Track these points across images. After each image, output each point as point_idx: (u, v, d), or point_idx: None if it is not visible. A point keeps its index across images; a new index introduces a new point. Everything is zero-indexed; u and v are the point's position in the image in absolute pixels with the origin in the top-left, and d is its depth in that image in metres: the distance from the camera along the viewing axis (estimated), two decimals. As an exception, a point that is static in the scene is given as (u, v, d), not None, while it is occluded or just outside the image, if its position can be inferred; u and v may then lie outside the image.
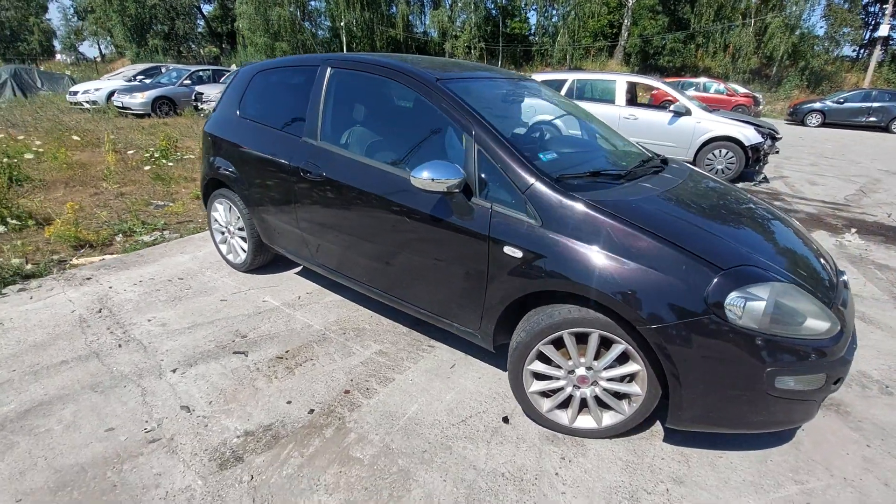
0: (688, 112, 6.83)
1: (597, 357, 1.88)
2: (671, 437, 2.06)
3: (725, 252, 1.72)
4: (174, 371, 2.41)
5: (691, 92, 16.83)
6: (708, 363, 1.65)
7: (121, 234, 4.40)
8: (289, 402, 2.22)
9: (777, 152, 7.13)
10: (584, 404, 2.00)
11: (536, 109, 2.98)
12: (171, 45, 39.55)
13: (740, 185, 6.91)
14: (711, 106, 12.16)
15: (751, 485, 1.84)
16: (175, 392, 2.26)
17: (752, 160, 6.63)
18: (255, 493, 1.75)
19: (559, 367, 1.95)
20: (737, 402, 1.69)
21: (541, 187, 1.90)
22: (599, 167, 2.19)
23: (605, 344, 1.86)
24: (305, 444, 1.98)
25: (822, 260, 2.04)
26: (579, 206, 1.83)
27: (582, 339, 1.89)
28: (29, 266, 3.52)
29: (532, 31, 29.20)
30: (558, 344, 1.93)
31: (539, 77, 8.23)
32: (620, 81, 7.36)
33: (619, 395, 1.95)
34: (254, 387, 2.32)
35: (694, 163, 7.00)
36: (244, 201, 3.12)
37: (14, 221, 4.37)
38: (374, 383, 2.37)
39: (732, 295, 1.60)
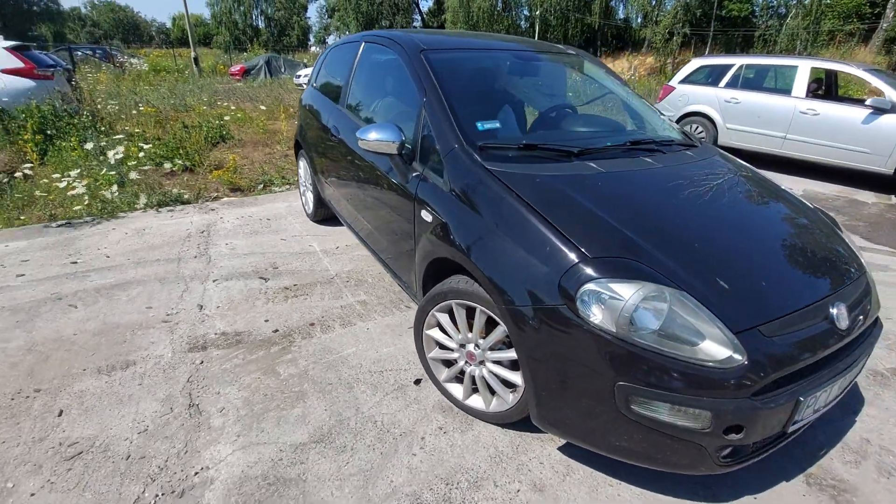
0: (894, 109, 5.12)
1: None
2: (569, 446, 1.84)
3: (605, 240, 1.47)
4: (214, 281, 3.09)
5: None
6: (559, 360, 1.46)
7: (262, 184, 5.52)
8: (266, 321, 2.66)
9: None
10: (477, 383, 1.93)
11: (560, 85, 2.76)
12: (391, 38, 45.24)
13: (970, 213, 4.93)
14: None
15: (622, 522, 1.56)
16: (204, 295, 2.91)
17: None
18: (195, 372, 2.22)
19: (452, 338, 1.92)
20: (590, 415, 1.46)
21: (458, 152, 1.87)
22: (542, 141, 1.99)
23: (494, 323, 1.77)
24: (252, 352, 2.38)
25: (806, 283, 1.53)
26: (479, 174, 1.76)
27: (473, 313, 1.83)
28: (186, 196, 4.76)
29: (756, 13, 24.51)
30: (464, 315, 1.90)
31: (698, 62, 7.15)
32: (803, 67, 5.89)
33: (508, 383, 1.83)
34: (253, 304, 2.83)
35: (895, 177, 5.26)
36: (308, 160, 3.68)
37: (198, 167, 5.87)
38: (337, 324, 2.65)
39: (588, 287, 1.38)
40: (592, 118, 2.56)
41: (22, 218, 4.04)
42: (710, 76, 6.90)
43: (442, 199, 1.87)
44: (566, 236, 1.48)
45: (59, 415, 1.94)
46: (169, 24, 70.80)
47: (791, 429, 1.42)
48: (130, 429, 1.88)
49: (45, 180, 4.69)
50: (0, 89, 6.14)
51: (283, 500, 1.60)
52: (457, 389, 2.00)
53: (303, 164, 4.05)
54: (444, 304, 1.87)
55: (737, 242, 1.62)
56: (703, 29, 24.16)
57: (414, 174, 2.07)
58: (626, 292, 1.35)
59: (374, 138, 2.08)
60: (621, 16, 30.83)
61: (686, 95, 7.04)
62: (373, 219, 2.60)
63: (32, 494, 1.59)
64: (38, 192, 4.42)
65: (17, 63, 6.35)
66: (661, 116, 2.56)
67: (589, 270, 1.40)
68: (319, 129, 3.29)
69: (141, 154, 4.94)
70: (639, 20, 28.38)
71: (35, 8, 49.13)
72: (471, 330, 1.84)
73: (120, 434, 1.85)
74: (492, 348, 1.79)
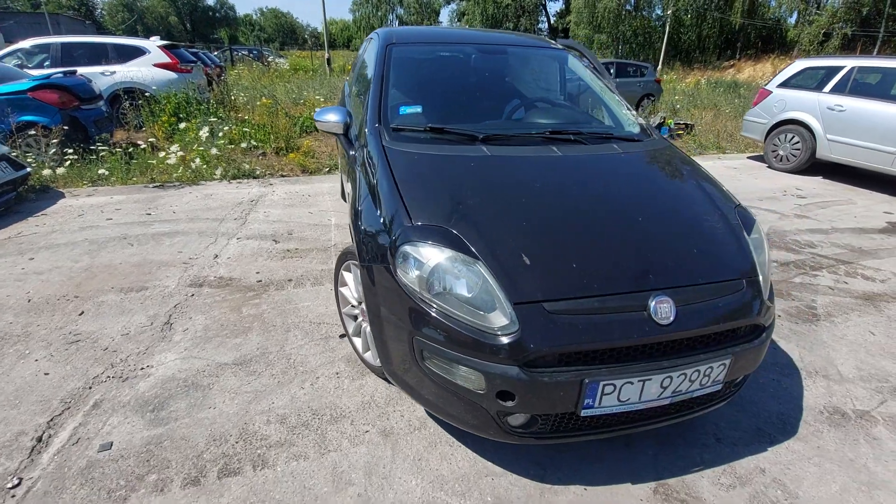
0: None
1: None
2: (434, 409, 1.98)
3: (435, 211, 1.61)
4: (237, 239, 3.70)
5: None
6: (384, 311, 1.64)
7: (328, 168, 6.21)
8: (257, 273, 3.15)
9: None
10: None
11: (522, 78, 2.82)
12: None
13: None
14: None
15: (437, 479, 1.68)
16: (224, 248, 3.52)
17: None
18: (183, 301, 2.76)
19: (354, 295, 2.17)
20: (404, 367, 1.62)
21: (374, 130, 2.11)
22: (450, 126, 2.10)
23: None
24: (232, 294, 2.87)
25: (631, 272, 1.49)
26: (378, 149, 1.98)
27: (366, 274, 2.05)
28: (258, 172, 5.59)
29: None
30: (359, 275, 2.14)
31: (804, 63, 6.27)
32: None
33: (388, 341, 2.03)
34: (255, 259, 3.35)
35: None
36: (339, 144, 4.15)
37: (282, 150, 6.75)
38: (309, 283, 3.04)
39: (403, 248, 1.54)
40: (546, 109, 2.58)
41: (134, 179, 5.15)
42: (817, 80, 6.02)
43: (359, 171, 2.13)
44: (405, 204, 1.65)
45: (80, 314, 2.60)
46: (320, 29, 79.72)
47: (587, 413, 1.42)
48: (118, 331, 2.46)
49: (163, 153, 5.86)
50: (151, 79, 7.71)
51: (188, 398, 2.01)
52: (359, 343, 2.24)
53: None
54: (345, 263, 2.13)
55: (579, 227, 1.62)
56: (874, 28, 20.30)
57: (352, 152, 2.36)
58: (428, 256, 1.49)
59: (325, 119, 2.41)
60: (771, 14, 27.18)
61: (783, 100, 6.23)
62: (346, 192, 2.93)
63: (36, 360, 2.22)
64: (152, 161, 5.55)
65: (165, 59, 7.91)
66: (625, 112, 2.49)
67: (409, 234, 1.56)
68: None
69: (220, 135, 5.90)
70: (790, 19, 24.78)
71: (217, 15, 58.87)
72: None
73: (109, 333, 2.44)
74: (376, 307, 2.00)
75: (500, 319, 1.39)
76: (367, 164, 2.03)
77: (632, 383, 1.41)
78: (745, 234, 1.74)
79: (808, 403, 2.13)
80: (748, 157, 7.32)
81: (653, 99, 11.65)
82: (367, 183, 1.96)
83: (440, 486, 1.65)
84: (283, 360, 2.28)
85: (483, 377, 1.39)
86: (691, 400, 1.60)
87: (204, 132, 5.59)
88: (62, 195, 4.57)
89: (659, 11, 32.79)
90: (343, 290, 2.26)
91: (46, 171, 4.65)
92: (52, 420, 1.88)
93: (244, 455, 1.75)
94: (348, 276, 2.18)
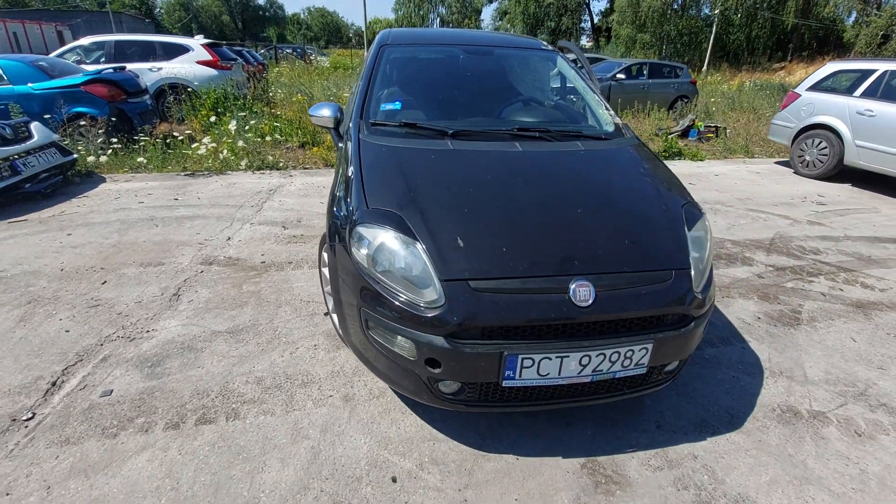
0: None
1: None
2: (394, 381, 2.15)
3: (388, 197, 1.78)
4: (251, 224, 4.00)
5: None
6: (343, 286, 1.82)
7: (349, 162, 6.48)
8: (262, 255, 3.42)
9: None
10: (346, 316, 2.35)
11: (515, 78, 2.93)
12: (554, 39, 45.04)
13: None
14: None
15: (384, 440, 1.86)
16: (238, 231, 3.82)
17: None
18: (193, 276, 3.06)
19: (333, 275, 2.37)
20: (356, 336, 1.80)
21: (355, 124, 2.31)
22: (421, 122, 2.26)
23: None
24: (237, 273, 3.15)
25: (556, 258, 1.61)
26: (356, 141, 2.17)
27: (342, 256, 2.25)
28: (280, 164, 5.92)
29: None
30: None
31: (835, 66, 6.04)
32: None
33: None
34: (263, 243, 3.63)
35: None
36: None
37: (307, 143, 7.09)
38: (307, 266, 3.28)
39: (357, 229, 1.73)
40: (522, 108, 2.69)
41: (168, 168, 5.59)
42: (848, 84, 5.78)
43: (341, 162, 2.33)
44: (365, 191, 1.83)
45: (103, 283, 2.93)
46: (364, 28, 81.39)
47: (509, 384, 1.56)
48: (132, 299, 2.77)
49: (196, 143, 6.31)
50: (193, 75, 8.25)
51: (181, 357, 2.28)
52: (336, 318, 2.44)
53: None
54: (325, 245, 2.33)
55: (517, 215, 1.75)
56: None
57: (340, 144, 2.56)
58: (373, 236, 1.66)
59: (319, 114, 2.62)
60: (827, 14, 25.61)
61: (812, 104, 6.02)
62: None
63: (61, 319, 2.55)
64: (187, 152, 5.99)
65: (207, 56, 8.44)
66: (602, 111, 2.57)
67: (363, 217, 1.74)
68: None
69: (246, 128, 6.29)
70: (848, 20, 23.18)
71: (266, 14, 61.24)
72: (339, 269, 2.27)
73: (125, 300, 2.75)
74: (348, 286, 2.20)
75: (431, 294, 1.55)
76: (346, 156, 2.22)
77: (550, 359, 1.54)
78: (685, 229, 1.82)
79: (763, 401, 2.17)
80: (776, 163, 7.09)
81: (686, 101, 11.34)
82: (343, 172, 2.15)
83: (385, 446, 1.82)
84: (271, 331, 2.52)
85: (414, 345, 1.56)
86: (620, 381, 1.70)
87: (232, 125, 5.98)
88: (104, 180, 5.04)
89: (706, 10, 31.57)
90: (324, 269, 2.46)
91: (91, 158, 5.13)
92: (66, 369, 2.18)
93: (220, 408, 1.98)
94: (326, 256, 2.38)
